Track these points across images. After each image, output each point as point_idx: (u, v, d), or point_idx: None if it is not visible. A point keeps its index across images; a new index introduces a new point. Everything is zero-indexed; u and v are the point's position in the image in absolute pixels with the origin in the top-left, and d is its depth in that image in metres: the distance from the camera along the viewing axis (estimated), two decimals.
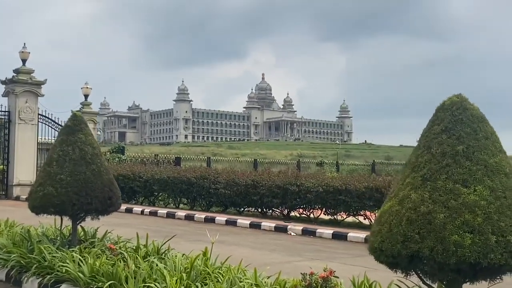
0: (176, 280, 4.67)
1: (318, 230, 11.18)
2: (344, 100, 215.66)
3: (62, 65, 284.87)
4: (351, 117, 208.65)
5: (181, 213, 14.28)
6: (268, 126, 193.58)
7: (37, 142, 21.17)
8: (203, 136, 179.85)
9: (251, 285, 4.67)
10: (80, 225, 6.77)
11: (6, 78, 21.00)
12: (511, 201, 3.11)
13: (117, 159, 24.56)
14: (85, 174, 6.20)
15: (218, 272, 4.99)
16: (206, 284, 4.72)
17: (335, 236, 10.76)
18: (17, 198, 19.43)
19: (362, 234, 10.40)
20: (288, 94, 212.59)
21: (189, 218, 13.71)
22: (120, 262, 5.25)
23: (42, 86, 21.35)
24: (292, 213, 13.91)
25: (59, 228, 7.00)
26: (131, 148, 60.59)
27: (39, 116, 21.22)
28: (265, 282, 4.80)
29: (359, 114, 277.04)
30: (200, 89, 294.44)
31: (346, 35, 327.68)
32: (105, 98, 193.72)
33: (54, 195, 6.11)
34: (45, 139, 21.38)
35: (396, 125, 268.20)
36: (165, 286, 4.63)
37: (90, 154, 6.33)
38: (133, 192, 17.49)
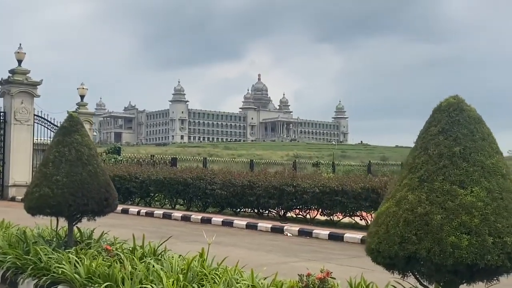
0: (173, 282, 4.66)
1: (314, 231, 11.19)
2: (340, 101, 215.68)
3: (58, 66, 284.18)
4: (347, 117, 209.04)
5: (177, 214, 14.26)
6: (264, 127, 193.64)
7: (33, 143, 21.10)
8: (199, 137, 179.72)
9: (248, 286, 4.66)
10: (76, 226, 6.75)
11: (1, 78, 20.93)
12: (508, 202, 3.12)
13: (113, 159, 24.50)
14: (81, 175, 6.18)
15: (215, 273, 4.99)
16: (203, 286, 4.71)
17: (332, 237, 10.77)
18: (13, 199, 19.35)
19: (358, 235, 10.41)
20: (284, 94, 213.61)
21: (185, 219, 13.69)
22: (117, 263, 5.23)
23: (37, 86, 21.28)
24: (289, 214, 13.92)
25: (55, 229, 6.97)
26: (127, 149, 60.48)
27: (35, 116, 21.15)
28: (262, 283, 4.79)
29: (355, 114, 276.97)
30: (197, 89, 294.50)
31: (343, 36, 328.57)
32: (101, 98, 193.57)
33: (50, 196, 6.09)
34: (41, 139, 21.31)
35: (392, 126, 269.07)
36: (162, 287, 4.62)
37: (87, 155, 6.31)
38: (129, 193, 17.45)
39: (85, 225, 6.83)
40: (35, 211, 6.37)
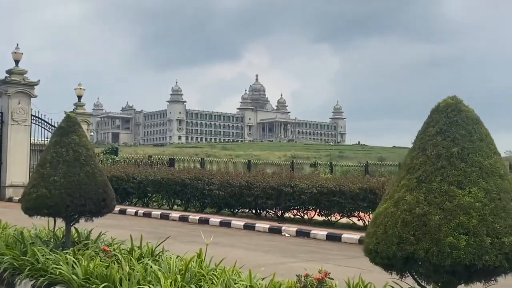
0: (171, 282, 4.65)
1: (312, 231, 11.19)
2: (337, 101, 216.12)
3: (55, 66, 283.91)
4: (345, 118, 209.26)
5: (175, 214, 14.25)
6: (261, 127, 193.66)
7: (30, 143, 21.06)
8: (196, 137, 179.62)
9: (246, 287, 4.65)
10: (74, 227, 6.73)
11: None
12: (506, 202, 3.12)
13: (110, 160, 24.48)
14: (79, 176, 6.17)
15: (212, 274, 4.98)
16: (201, 286, 4.70)
17: (329, 237, 10.78)
18: (10, 200, 19.31)
19: (356, 235, 10.42)
20: (281, 95, 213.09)
21: (183, 219, 13.67)
22: (114, 264, 5.22)
23: (35, 87, 21.25)
24: (286, 214, 13.93)
25: (53, 230, 6.95)
26: (124, 149, 60.43)
27: (32, 117, 21.11)
28: (259, 283, 4.79)
29: (352, 115, 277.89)
30: (194, 90, 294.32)
31: (340, 36, 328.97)
32: (98, 99, 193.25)
33: (47, 197, 6.07)
34: (38, 140, 21.27)
35: (389, 126, 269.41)
36: None
37: (84, 156, 6.30)
38: (127, 194, 17.43)
39: (82, 225, 6.82)
40: (32, 212, 6.35)
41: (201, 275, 4.92)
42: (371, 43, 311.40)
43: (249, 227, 12.17)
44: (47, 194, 6.07)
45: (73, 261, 5.40)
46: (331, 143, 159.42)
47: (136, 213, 14.97)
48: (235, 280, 4.77)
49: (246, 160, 32.74)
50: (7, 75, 20.79)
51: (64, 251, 5.89)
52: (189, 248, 6.14)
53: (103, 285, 4.82)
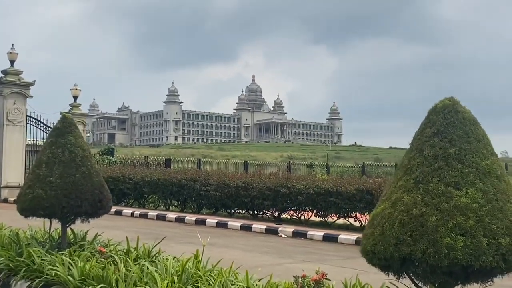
0: (167, 284, 4.64)
1: (309, 232, 11.19)
2: (334, 102, 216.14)
3: (50, 66, 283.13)
4: (341, 119, 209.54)
5: (171, 215, 14.22)
6: (258, 128, 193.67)
7: (26, 144, 20.99)
8: (193, 138, 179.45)
9: None
10: (70, 228, 6.71)
11: None
12: (503, 203, 3.13)
13: (106, 161, 24.41)
14: (75, 177, 6.15)
15: (209, 275, 4.97)
16: (197, 287, 4.69)
17: (326, 238, 10.78)
18: (5, 201, 19.23)
19: (352, 236, 10.43)
20: (278, 96, 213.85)
21: (179, 220, 13.65)
22: (111, 265, 5.20)
23: (30, 87, 21.19)
24: (283, 215, 13.92)
25: (48, 231, 6.93)
26: (120, 150, 60.29)
27: (28, 117, 21.05)
28: (256, 284, 4.78)
29: (349, 116, 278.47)
30: (191, 90, 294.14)
31: (336, 38, 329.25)
32: (94, 99, 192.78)
33: (43, 198, 6.05)
34: (33, 140, 21.20)
35: (386, 127, 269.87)
36: None
37: (80, 156, 6.28)
38: (123, 194, 17.39)
39: (78, 226, 6.80)
40: (28, 213, 6.32)
41: (198, 276, 4.91)
42: (367, 44, 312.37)
43: (245, 228, 12.16)
44: (43, 195, 6.05)
45: (69, 262, 5.38)
46: (328, 143, 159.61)
47: (132, 214, 14.93)
48: (232, 281, 4.76)
49: (243, 161, 32.72)
50: (2, 75, 20.73)
51: (60, 252, 5.86)
52: (186, 249, 6.13)
53: (99, 286, 4.80)
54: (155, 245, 6.10)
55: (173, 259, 5.56)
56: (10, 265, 5.90)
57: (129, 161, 25.67)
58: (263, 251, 9.28)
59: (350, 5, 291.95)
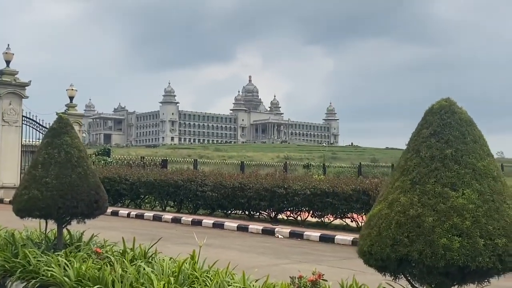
0: (164, 284, 4.63)
1: (305, 233, 11.19)
2: (330, 103, 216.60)
3: (46, 67, 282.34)
4: (338, 119, 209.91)
5: (167, 216, 14.20)
6: (255, 128, 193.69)
7: (21, 144, 20.92)
8: (189, 139, 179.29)
9: None
10: (66, 229, 6.69)
11: None
12: (499, 204, 3.14)
13: (102, 161, 24.35)
14: (71, 177, 6.13)
15: (206, 275, 4.96)
16: None
17: (323, 239, 10.79)
18: (1, 201, 19.16)
19: (349, 237, 10.44)
20: (275, 96, 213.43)
21: (175, 221, 13.63)
22: (107, 266, 5.19)
23: (26, 87, 21.13)
24: (280, 216, 13.92)
25: (44, 232, 6.90)
26: (116, 150, 60.14)
27: (23, 118, 20.99)
28: (253, 285, 4.78)
29: (345, 116, 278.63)
30: (187, 91, 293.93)
31: (333, 38, 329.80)
32: (90, 99, 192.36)
33: (39, 199, 6.03)
34: (29, 141, 21.14)
35: (382, 127, 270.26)
36: None
37: (76, 157, 6.26)
38: (119, 195, 17.35)
39: (74, 227, 6.77)
40: (24, 214, 6.30)
41: (194, 277, 4.91)
42: (364, 44, 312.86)
43: (242, 229, 12.15)
44: (39, 195, 6.03)
45: (65, 263, 5.36)
46: (324, 144, 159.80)
47: (128, 215, 14.90)
48: (229, 282, 4.75)
49: (239, 161, 32.74)
50: None
51: (56, 253, 5.84)
52: (182, 250, 6.12)
53: (95, 287, 4.79)
54: (152, 246, 6.09)
55: (170, 260, 5.55)
56: (6, 266, 5.88)
57: (125, 161, 25.62)
58: (259, 251, 9.28)
59: (347, 6, 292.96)
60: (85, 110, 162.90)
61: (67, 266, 5.30)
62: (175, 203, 16.45)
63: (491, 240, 3.03)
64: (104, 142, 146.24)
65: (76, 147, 6.33)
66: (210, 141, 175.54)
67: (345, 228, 12.30)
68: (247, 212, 14.51)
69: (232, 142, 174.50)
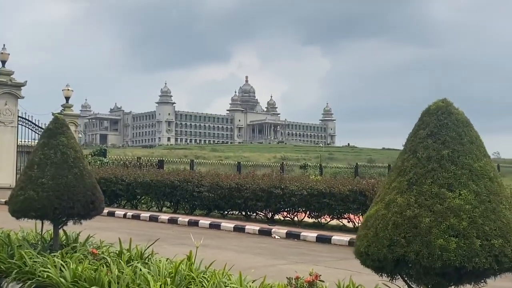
0: (160, 285, 4.62)
1: (302, 233, 11.20)
2: (327, 103, 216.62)
3: (42, 67, 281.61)
4: (334, 120, 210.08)
5: (164, 216, 14.18)
6: (251, 129, 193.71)
7: (17, 145, 20.85)
8: (186, 139, 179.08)
9: None
10: (62, 229, 6.67)
11: None
12: (496, 205, 3.14)
13: (99, 162, 24.28)
14: (67, 178, 6.11)
15: (202, 276, 4.95)
16: None
17: (319, 239, 10.79)
18: None
19: (346, 237, 10.45)
20: (271, 96, 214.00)
21: (172, 221, 13.61)
22: (103, 267, 5.18)
23: (22, 88, 21.06)
24: (276, 216, 13.92)
25: (40, 233, 6.88)
26: (113, 151, 60.07)
27: (19, 118, 20.92)
28: (250, 286, 4.78)
29: (342, 117, 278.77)
30: (184, 91, 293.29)
31: (330, 39, 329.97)
32: (86, 100, 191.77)
33: (35, 199, 6.01)
34: (25, 141, 21.08)
35: (379, 128, 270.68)
36: None
37: (72, 158, 6.24)
38: (115, 196, 17.31)
39: (71, 228, 6.75)
40: (19, 214, 6.28)
41: (191, 278, 4.90)
42: (360, 45, 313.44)
43: (239, 229, 12.15)
44: (35, 196, 6.01)
45: (61, 264, 5.35)
46: (321, 144, 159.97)
47: (125, 215, 14.87)
48: (225, 282, 4.74)
49: (236, 162, 32.72)
50: None
51: (52, 254, 5.82)
52: (179, 251, 6.11)
53: None
54: (148, 247, 6.07)
55: (166, 260, 5.54)
56: (2, 267, 5.85)
57: (122, 162, 25.56)
58: (256, 252, 9.27)
59: (344, 6, 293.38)
60: (81, 110, 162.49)
61: (63, 267, 5.29)
62: (172, 203, 16.42)
63: (488, 241, 3.04)
64: (100, 143, 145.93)
65: (72, 148, 6.32)
66: (207, 142, 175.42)
67: (342, 229, 12.31)
68: (243, 213, 14.50)
69: (229, 143, 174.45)
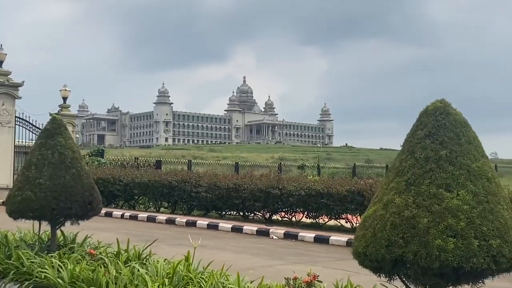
0: (158, 286, 4.62)
1: (300, 234, 11.20)
2: (325, 104, 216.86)
3: (40, 67, 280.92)
4: (332, 120, 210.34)
5: (162, 217, 14.16)
6: (249, 129, 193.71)
7: (14, 145, 20.81)
8: (183, 139, 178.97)
9: None
10: (60, 230, 6.65)
11: None
12: (493, 205, 3.15)
13: (96, 162, 24.24)
14: (64, 179, 6.10)
15: (200, 277, 4.95)
16: None
17: (317, 240, 10.80)
18: None
19: (343, 238, 10.45)
20: (269, 97, 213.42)
21: (170, 222, 13.60)
22: (101, 268, 5.17)
23: (19, 88, 21.02)
24: (274, 217, 13.91)
25: (38, 233, 6.86)
26: (110, 151, 59.98)
27: (16, 118, 20.88)
28: (248, 286, 4.78)
29: (340, 117, 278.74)
30: (181, 91, 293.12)
31: (327, 39, 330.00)
32: (83, 100, 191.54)
33: (32, 200, 5.99)
34: (22, 142, 21.04)
35: (377, 128, 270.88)
36: None
37: (70, 158, 6.23)
38: (113, 196, 17.28)
39: (68, 229, 6.74)
40: (17, 215, 6.26)
41: (189, 279, 4.90)
42: (358, 45, 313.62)
43: (236, 230, 12.14)
44: (32, 197, 5.99)
45: (59, 264, 5.34)
46: (319, 145, 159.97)
47: (122, 216, 14.85)
48: (223, 283, 4.74)
49: (234, 162, 32.72)
50: None
51: (50, 255, 5.81)
52: (177, 251, 6.10)
53: None
54: (146, 247, 6.07)
55: (164, 261, 5.53)
56: None
57: (119, 162, 25.53)
58: (254, 252, 9.27)
59: (341, 7, 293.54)
60: (78, 110, 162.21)
61: (61, 267, 5.27)
62: (169, 204, 16.40)
63: (486, 241, 3.04)
64: (98, 143, 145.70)
65: (70, 148, 6.31)
66: (204, 142, 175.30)
67: (340, 229, 12.31)
68: (241, 213, 14.49)
69: (227, 143, 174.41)
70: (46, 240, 6.71)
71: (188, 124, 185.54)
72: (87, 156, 25.14)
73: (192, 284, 4.78)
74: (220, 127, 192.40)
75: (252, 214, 14.31)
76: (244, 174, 16.81)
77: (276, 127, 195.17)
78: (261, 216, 14.09)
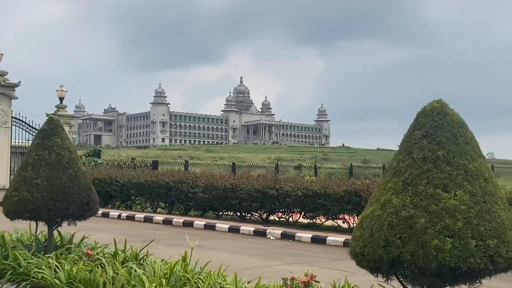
0: (156, 286, 4.62)
1: (297, 234, 11.21)
2: (322, 104, 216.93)
3: (37, 67, 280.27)
4: (329, 120, 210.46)
5: (158, 217, 14.15)
6: (246, 130, 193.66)
7: (11, 146, 20.74)
8: (180, 140, 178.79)
9: None
10: (57, 230, 6.64)
11: None
12: (491, 205, 3.16)
13: (93, 162, 24.19)
14: (61, 179, 6.09)
15: (198, 277, 4.95)
16: None
17: (314, 240, 10.80)
18: None
19: (340, 238, 10.46)
20: (266, 97, 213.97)
21: (167, 222, 13.58)
22: (98, 268, 5.16)
23: (15, 88, 20.95)
24: (271, 217, 13.92)
25: (35, 234, 6.85)
26: (107, 152, 59.88)
27: (13, 119, 20.80)
28: (245, 287, 4.78)
29: (337, 117, 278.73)
30: (178, 92, 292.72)
31: (324, 39, 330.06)
32: (80, 100, 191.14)
33: (29, 200, 5.98)
34: (19, 142, 20.96)
35: (374, 128, 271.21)
36: None
37: (67, 159, 6.22)
38: (110, 196, 17.24)
39: (65, 229, 6.73)
40: (14, 215, 6.25)
41: (186, 279, 4.89)
42: (355, 45, 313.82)
43: (233, 230, 12.14)
44: (29, 197, 5.98)
45: (56, 265, 5.33)
46: (316, 145, 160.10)
47: (119, 216, 14.82)
48: (221, 283, 4.74)
49: (231, 163, 32.70)
50: None
51: (47, 255, 5.80)
52: (174, 252, 6.10)
53: None
54: (143, 248, 6.06)
55: (161, 261, 5.53)
56: None
57: (116, 163, 25.47)
58: (251, 253, 9.27)
59: (337, 7, 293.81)
60: (75, 111, 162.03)
61: (58, 268, 5.27)
62: (166, 204, 16.38)
63: (483, 241, 3.05)
64: (94, 143, 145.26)
65: (66, 149, 6.30)
66: (201, 142, 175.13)
67: (337, 229, 12.32)
68: (238, 214, 14.49)
69: (223, 143, 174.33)
70: (43, 240, 6.69)
71: (185, 125, 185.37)
72: (84, 157, 25.06)
73: (189, 285, 4.78)
74: (217, 127, 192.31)
75: (249, 215, 14.31)
76: (241, 175, 16.80)
77: (273, 127, 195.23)
78: (258, 216, 14.09)
